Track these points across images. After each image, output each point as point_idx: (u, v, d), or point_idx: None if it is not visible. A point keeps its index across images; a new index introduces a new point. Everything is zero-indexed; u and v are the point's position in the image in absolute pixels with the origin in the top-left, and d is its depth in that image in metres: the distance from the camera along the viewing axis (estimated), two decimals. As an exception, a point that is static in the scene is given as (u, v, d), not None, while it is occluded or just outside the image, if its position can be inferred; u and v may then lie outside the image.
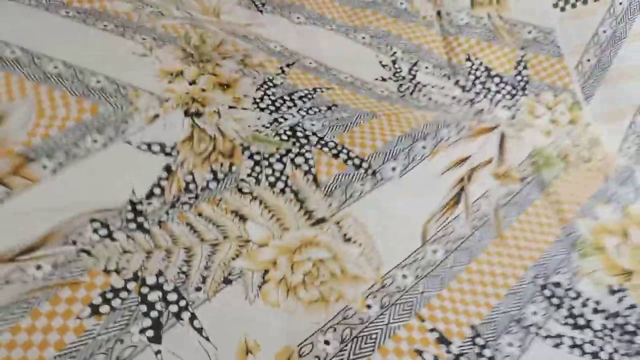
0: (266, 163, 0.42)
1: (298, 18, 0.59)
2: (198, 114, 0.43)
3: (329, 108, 0.48)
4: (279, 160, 0.43)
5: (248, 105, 0.46)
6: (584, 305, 0.41)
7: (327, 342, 0.35)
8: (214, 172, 0.41)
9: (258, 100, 0.47)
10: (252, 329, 0.35)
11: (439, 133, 0.49)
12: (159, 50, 0.47)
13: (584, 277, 0.42)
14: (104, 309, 0.33)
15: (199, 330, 0.34)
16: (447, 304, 0.39)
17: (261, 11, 0.59)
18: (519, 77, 0.59)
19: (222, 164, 0.41)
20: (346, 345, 0.35)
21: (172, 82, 0.45)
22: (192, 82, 0.46)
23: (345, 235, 0.40)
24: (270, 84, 0.49)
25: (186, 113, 0.43)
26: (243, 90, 0.47)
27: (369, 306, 0.37)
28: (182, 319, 0.34)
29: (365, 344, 0.36)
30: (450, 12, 0.63)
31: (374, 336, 0.36)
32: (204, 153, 0.41)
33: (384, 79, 0.56)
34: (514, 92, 0.58)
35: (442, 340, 0.36)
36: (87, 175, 0.38)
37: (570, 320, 0.40)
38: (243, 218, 0.39)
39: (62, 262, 0.34)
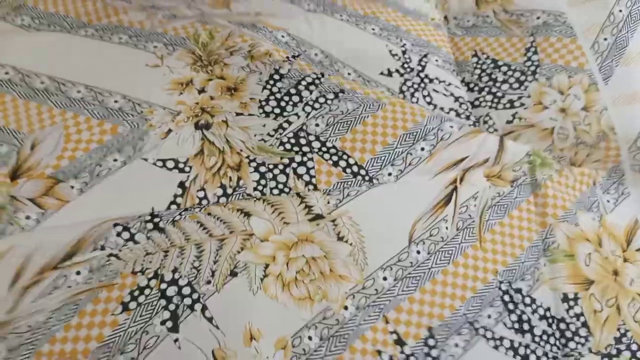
0: (270, 175, 0.46)
1: (308, 5, 0.60)
2: (207, 126, 0.48)
3: (336, 95, 0.50)
4: (282, 171, 0.47)
5: (254, 111, 0.49)
6: (534, 312, 0.44)
7: (310, 338, 0.41)
8: (223, 187, 0.45)
9: (264, 104, 0.50)
10: (255, 317, 0.40)
11: (442, 127, 0.50)
12: (169, 58, 0.51)
13: (543, 284, 0.45)
14: (132, 305, 0.39)
15: (210, 320, 0.40)
16: (414, 307, 0.43)
17: None
18: (528, 63, 0.58)
19: (230, 178, 0.46)
20: (324, 343, 0.41)
21: (182, 93, 0.49)
22: (202, 90, 0.50)
23: (339, 233, 0.44)
24: (277, 77, 0.51)
25: (196, 126, 0.47)
26: (250, 91, 0.50)
27: (346, 307, 0.42)
28: (195, 310, 0.40)
29: (339, 342, 0.41)
30: (457, 16, 0.63)
31: (346, 336, 0.41)
32: (214, 168, 0.46)
33: (390, 73, 0.56)
34: (522, 78, 0.57)
35: (399, 341, 0.41)
36: (109, 194, 0.44)
37: (517, 325, 0.43)
38: (248, 214, 0.44)
39: (96, 266, 0.40)
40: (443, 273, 0.44)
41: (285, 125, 0.49)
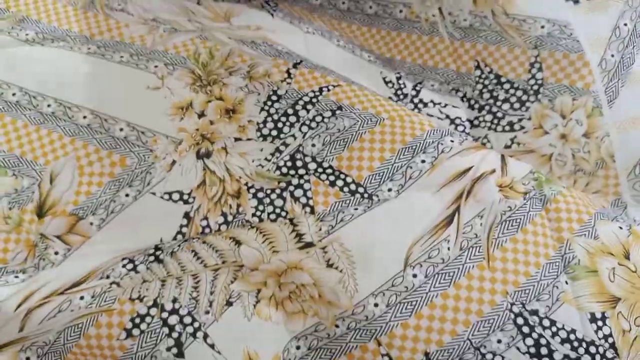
0: (268, 200, 0.47)
1: (307, 28, 0.60)
2: (208, 155, 0.49)
3: (333, 113, 0.50)
4: (280, 195, 0.47)
5: (252, 134, 0.50)
6: (554, 335, 0.41)
7: (298, 347, 0.43)
8: (224, 215, 0.47)
9: (261, 126, 0.50)
10: (251, 342, 0.43)
11: (443, 141, 0.48)
12: (169, 78, 0.52)
13: (565, 303, 0.42)
14: (136, 332, 0.42)
15: (212, 346, 0.42)
16: (409, 332, 0.42)
17: (272, 14, 0.60)
18: (532, 81, 0.54)
19: (230, 206, 0.47)
20: (311, 352, 0.43)
21: (183, 118, 0.51)
22: (201, 114, 0.51)
23: (328, 260, 0.44)
24: (275, 98, 0.51)
25: (198, 155, 0.49)
26: (248, 113, 0.51)
27: (337, 326, 0.43)
28: (197, 338, 0.42)
29: (325, 355, 0.42)
30: (452, 12, 0.58)
31: (332, 350, 0.42)
32: (215, 197, 0.48)
33: None
34: (524, 97, 0.54)
35: None
36: (123, 229, 0.47)
37: (533, 350, 0.41)
38: (239, 243, 0.46)
39: (98, 292, 0.44)
40: (443, 297, 0.43)
41: (282, 147, 0.49)
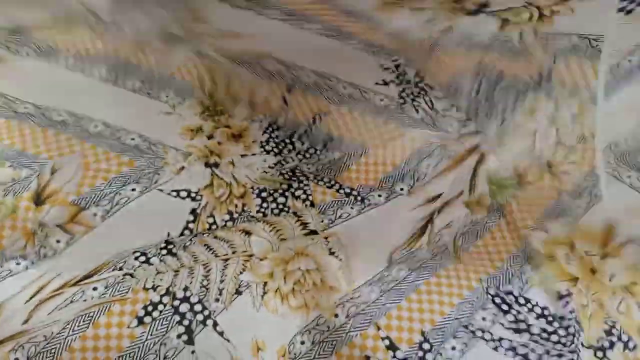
0: (271, 198, 0.52)
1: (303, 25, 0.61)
2: (216, 165, 0.54)
3: (325, 145, 0.57)
4: (282, 194, 0.53)
5: (256, 151, 0.56)
6: (530, 310, 0.47)
7: (302, 342, 0.45)
8: (230, 213, 0.51)
9: (264, 144, 0.57)
10: (259, 331, 0.44)
11: (419, 169, 0.57)
12: (180, 107, 0.57)
13: (534, 286, 0.49)
14: (147, 319, 0.42)
15: (221, 334, 0.43)
16: (404, 313, 0.46)
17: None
18: (537, 78, 0.55)
19: (236, 205, 0.51)
20: (314, 346, 0.44)
21: (193, 138, 0.55)
22: (210, 136, 0.56)
23: (330, 249, 0.49)
24: (274, 126, 0.58)
25: (206, 165, 0.53)
26: (252, 137, 0.57)
27: (336, 315, 0.46)
28: (207, 325, 0.43)
29: (327, 348, 0.44)
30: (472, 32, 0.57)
31: (334, 342, 0.44)
32: (222, 197, 0.51)
33: (385, 83, 0.59)
34: (524, 88, 0.55)
35: (391, 346, 0.44)
36: (129, 221, 0.48)
37: (514, 325, 0.46)
38: (248, 233, 0.49)
39: (112, 283, 0.44)
40: (426, 284, 0.48)
41: (283, 162, 0.56)
